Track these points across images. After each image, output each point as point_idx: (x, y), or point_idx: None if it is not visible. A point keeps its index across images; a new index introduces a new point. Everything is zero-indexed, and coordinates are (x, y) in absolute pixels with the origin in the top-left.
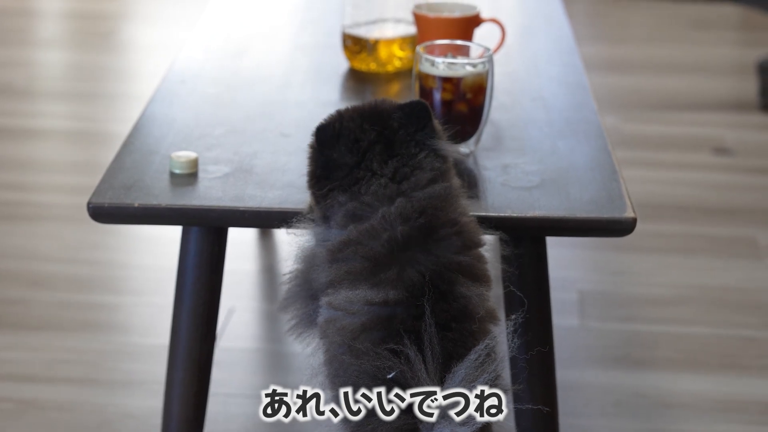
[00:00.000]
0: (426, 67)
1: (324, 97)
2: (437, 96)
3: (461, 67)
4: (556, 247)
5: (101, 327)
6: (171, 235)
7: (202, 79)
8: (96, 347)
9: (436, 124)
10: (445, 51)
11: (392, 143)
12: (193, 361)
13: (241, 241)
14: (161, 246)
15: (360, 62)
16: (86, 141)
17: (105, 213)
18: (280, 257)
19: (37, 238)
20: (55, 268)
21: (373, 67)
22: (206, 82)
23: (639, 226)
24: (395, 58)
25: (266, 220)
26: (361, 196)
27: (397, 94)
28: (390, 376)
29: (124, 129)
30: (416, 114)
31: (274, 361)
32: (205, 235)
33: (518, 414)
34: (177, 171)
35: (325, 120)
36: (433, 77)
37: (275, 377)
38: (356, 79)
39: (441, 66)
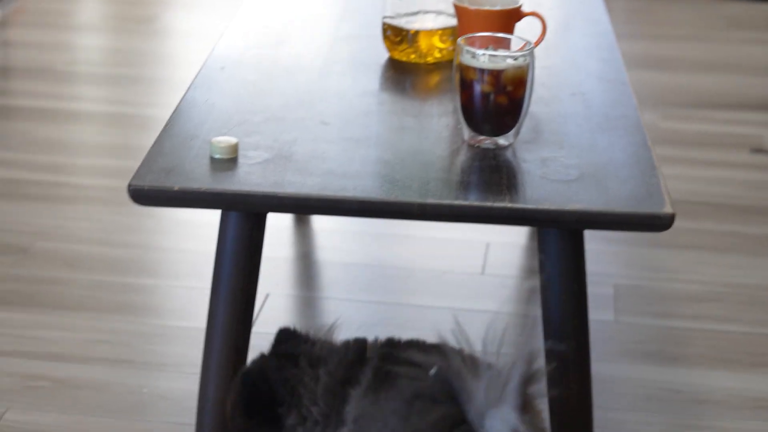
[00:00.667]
0: (467, 59)
1: (364, 87)
2: (477, 88)
3: (502, 59)
4: (592, 242)
5: (137, 309)
6: (208, 219)
7: (241, 66)
8: (132, 329)
9: None
10: (486, 43)
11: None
12: (230, 345)
13: (277, 228)
14: (198, 230)
15: (400, 53)
16: (124, 125)
17: (145, 195)
18: (316, 245)
19: (74, 220)
20: (92, 250)
21: (413, 57)
22: (246, 70)
23: (675, 223)
24: (435, 49)
25: (305, 207)
26: None
27: (436, 85)
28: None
29: (163, 114)
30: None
31: None
32: (244, 220)
33: (553, 405)
34: (217, 156)
35: None
36: (474, 69)
37: None
38: (396, 69)
39: (482, 58)
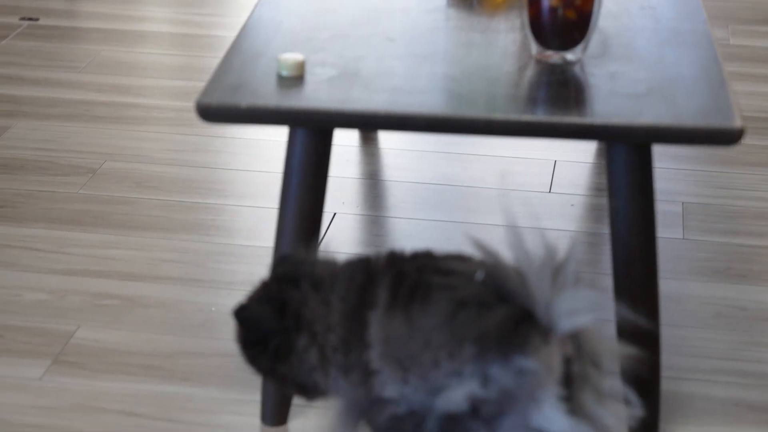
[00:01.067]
0: None
1: (429, 3)
2: (545, 2)
3: None
4: (660, 161)
5: (205, 228)
6: (276, 138)
7: None
8: (199, 248)
9: None
10: None
11: None
12: None
13: (344, 148)
14: (266, 150)
15: None
16: (192, 45)
17: (212, 112)
18: (382, 164)
19: (143, 140)
20: (160, 170)
21: None
22: None
23: (744, 140)
24: None
25: (372, 123)
26: None
27: (503, 1)
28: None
29: (229, 34)
30: None
31: None
32: (311, 137)
33: (620, 324)
34: (284, 73)
35: None
36: None
37: None
38: None
39: None
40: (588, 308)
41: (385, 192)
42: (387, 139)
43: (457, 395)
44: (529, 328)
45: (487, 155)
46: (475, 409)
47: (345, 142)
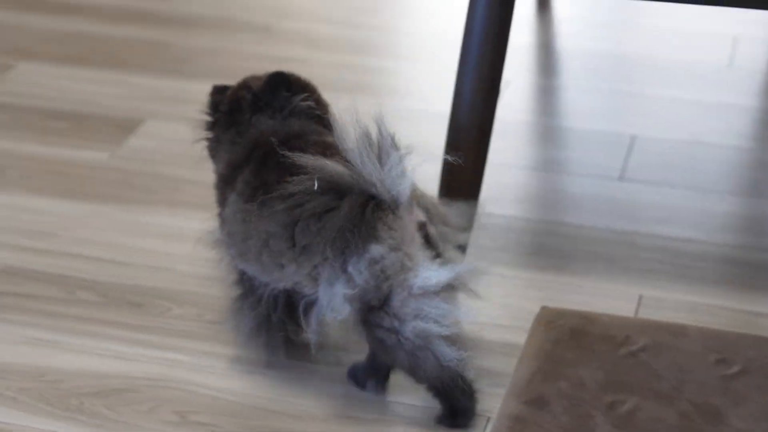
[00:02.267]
0: None
1: None
2: None
3: None
4: None
5: (378, 90)
6: (446, 2)
7: None
8: (371, 110)
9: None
10: None
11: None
12: (474, 125)
13: (519, 15)
14: (437, 14)
15: None
16: None
17: None
18: (557, 32)
19: (316, 0)
20: (333, 30)
21: None
22: None
23: None
24: None
25: None
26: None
27: None
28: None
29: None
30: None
31: (548, 135)
32: None
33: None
34: None
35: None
36: None
37: (547, 151)
38: None
39: None
40: (405, 168)
41: (559, 60)
42: (562, 7)
43: (333, 301)
44: (375, 212)
45: (665, 27)
46: (361, 301)
47: (520, 10)
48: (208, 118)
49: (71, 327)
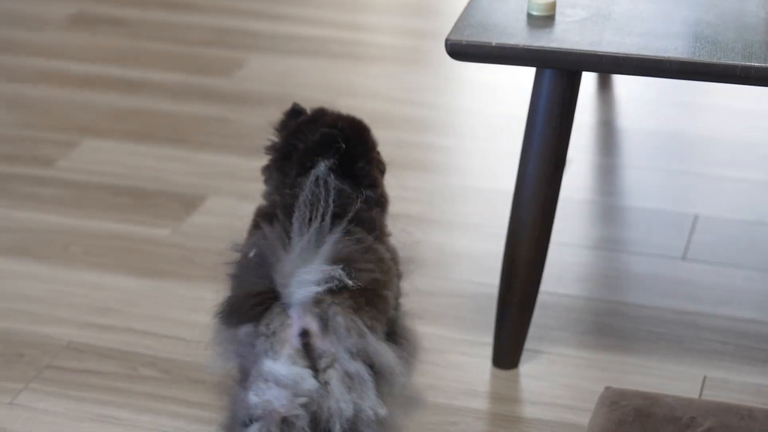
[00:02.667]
0: None
1: None
2: None
3: None
4: None
5: (438, 168)
6: (505, 81)
7: None
8: (433, 187)
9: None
10: None
11: None
12: (539, 204)
13: (580, 94)
14: (497, 92)
15: None
16: None
17: (463, 51)
18: (617, 111)
19: (374, 78)
20: (392, 108)
21: None
22: None
23: None
24: None
25: (624, 66)
26: None
27: None
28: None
29: None
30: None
31: (610, 214)
32: (560, 78)
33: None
34: (534, 12)
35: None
36: None
37: (609, 230)
38: None
39: None
40: (321, 279)
41: (620, 140)
42: (622, 86)
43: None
44: (265, 302)
45: (722, 107)
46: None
47: (582, 88)
48: (271, 141)
49: (134, 403)
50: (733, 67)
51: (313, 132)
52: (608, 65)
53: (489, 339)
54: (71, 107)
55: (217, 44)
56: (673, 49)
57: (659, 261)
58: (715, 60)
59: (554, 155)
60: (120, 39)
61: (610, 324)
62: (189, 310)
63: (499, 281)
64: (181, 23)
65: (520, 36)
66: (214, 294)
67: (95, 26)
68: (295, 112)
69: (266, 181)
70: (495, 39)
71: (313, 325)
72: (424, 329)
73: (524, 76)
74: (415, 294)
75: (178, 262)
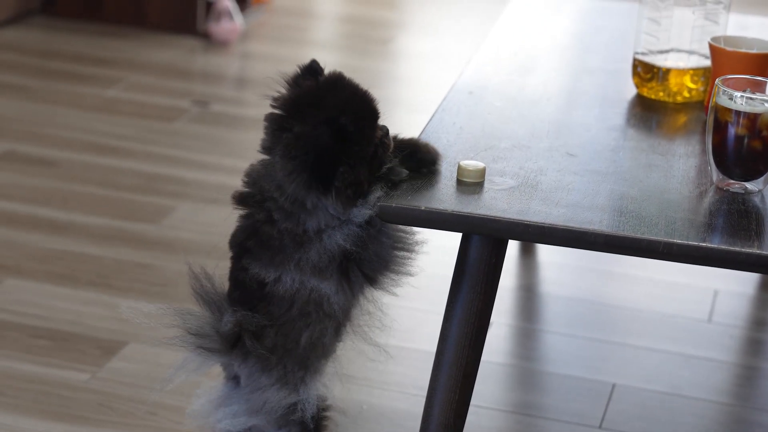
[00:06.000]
0: (723, 101)
1: (610, 121)
2: (732, 130)
3: (760, 103)
4: None
5: None
6: (434, 242)
7: (489, 92)
8: (355, 346)
9: None
10: (743, 86)
11: None
12: (459, 368)
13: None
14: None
15: (649, 90)
16: None
17: (392, 213)
18: (540, 277)
19: None
20: None
21: (661, 96)
22: (493, 96)
23: None
24: (685, 88)
25: (550, 237)
26: None
27: (684, 125)
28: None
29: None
30: None
31: (528, 380)
32: (486, 244)
33: None
34: (465, 179)
35: None
36: (730, 111)
37: (528, 395)
38: (643, 106)
39: (739, 100)
40: None
41: (541, 305)
42: (545, 252)
43: None
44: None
45: (642, 277)
46: None
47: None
48: (279, 93)
49: None
50: (657, 243)
51: (312, 117)
52: (534, 234)
53: None
54: None
55: (145, 190)
56: (598, 221)
57: (576, 429)
58: (639, 235)
59: (478, 319)
60: (48, 180)
61: None
62: None
63: None
64: (111, 167)
65: (449, 201)
66: None
67: (25, 166)
68: (312, 69)
69: (265, 130)
70: (424, 203)
71: None
72: None
73: (446, 237)
74: None
75: (95, 408)
